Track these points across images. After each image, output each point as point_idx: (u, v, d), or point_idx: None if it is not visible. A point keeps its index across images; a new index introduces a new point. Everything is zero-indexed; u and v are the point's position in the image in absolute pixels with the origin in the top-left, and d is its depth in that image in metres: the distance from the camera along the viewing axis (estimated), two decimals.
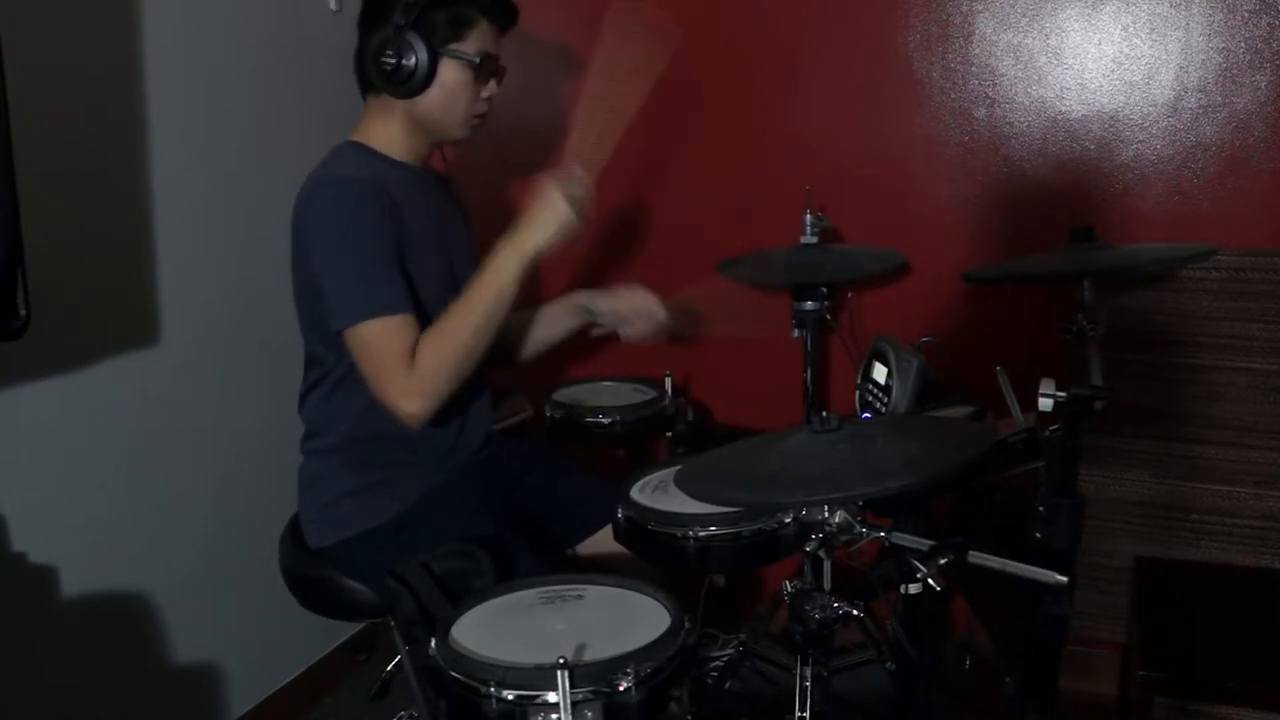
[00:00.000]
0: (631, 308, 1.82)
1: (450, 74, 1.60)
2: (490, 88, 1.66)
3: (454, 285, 1.70)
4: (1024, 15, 2.12)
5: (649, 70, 1.71)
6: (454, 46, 1.59)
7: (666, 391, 2.15)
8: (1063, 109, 2.13)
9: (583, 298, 1.88)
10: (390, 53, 1.56)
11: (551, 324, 1.89)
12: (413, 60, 1.56)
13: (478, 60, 1.61)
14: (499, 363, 1.77)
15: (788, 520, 1.45)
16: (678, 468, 1.45)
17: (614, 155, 2.44)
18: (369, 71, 1.61)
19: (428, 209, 1.68)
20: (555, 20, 2.40)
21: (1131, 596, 2.07)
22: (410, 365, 1.50)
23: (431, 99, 1.61)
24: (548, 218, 1.56)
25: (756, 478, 1.22)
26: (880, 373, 1.60)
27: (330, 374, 1.64)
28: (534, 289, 2.57)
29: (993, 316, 2.20)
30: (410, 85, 1.58)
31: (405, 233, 1.58)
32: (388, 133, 1.65)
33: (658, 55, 1.74)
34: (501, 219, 2.44)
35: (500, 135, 2.39)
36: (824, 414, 1.22)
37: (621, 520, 1.54)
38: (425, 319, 1.63)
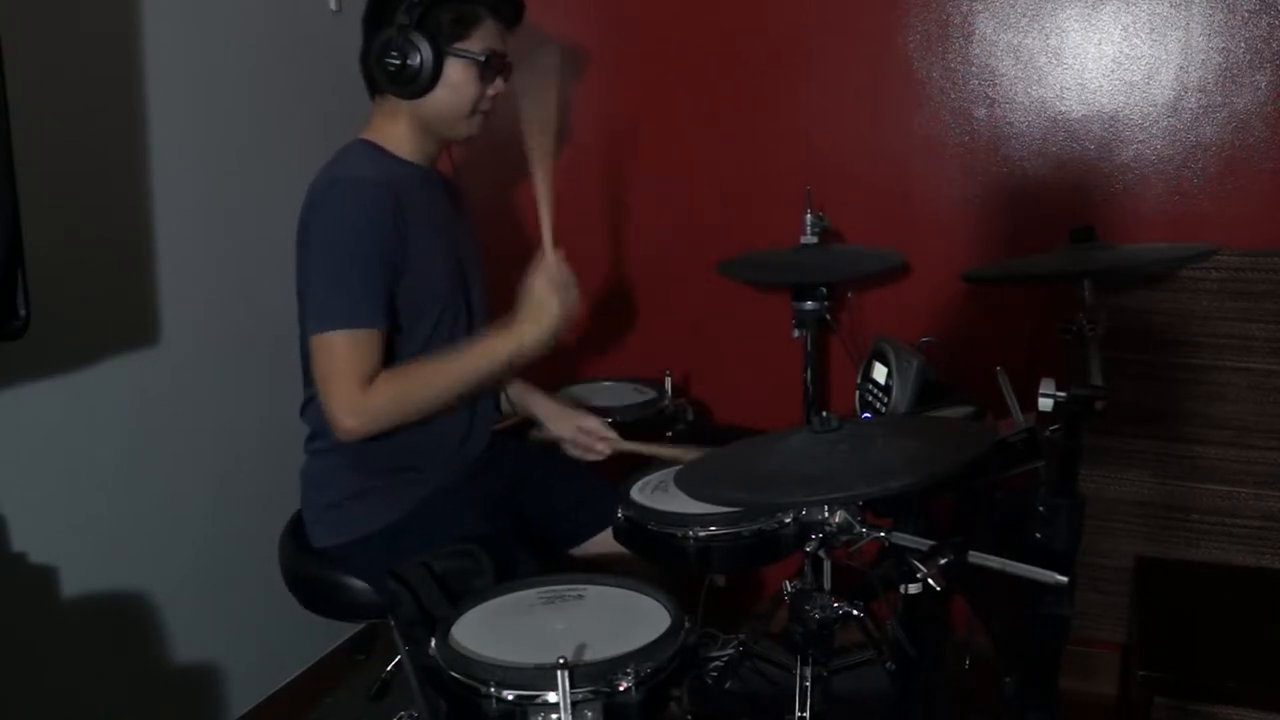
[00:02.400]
0: (583, 437, 1.83)
1: (456, 73, 1.60)
2: (497, 85, 1.65)
3: (464, 286, 1.70)
4: (1024, 15, 2.12)
5: (549, 102, 1.66)
6: (459, 45, 1.59)
7: (666, 391, 2.15)
8: (1063, 109, 2.13)
9: (537, 407, 1.88)
10: (395, 53, 1.55)
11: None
12: (417, 60, 1.56)
13: (484, 59, 1.60)
14: None
15: (788, 520, 1.45)
16: (678, 468, 1.45)
17: (616, 155, 2.47)
18: (374, 72, 1.61)
19: (438, 210, 1.68)
20: (559, 17, 2.41)
21: (1131, 596, 2.07)
22: (363, 385, 1.51)
23: (438, 99, 1.60)
24: (540, 319, 1.59)
25: (756, 478, 1.22)
26: (880, 373, 1.60)
27: None
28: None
29: (993, 316, 2.20)
30: (415, 86, 1.58)
31: (413, 236, 1.58)
32: (396, 133, 1.65)
33: (549, 78, 1.68)
34: (505, 219, 2.45)
35: (504, 135, 2.39)
36: (824, 414, 1.21)
37: (621, 520, 1.54)
38: (436, 319, 1.64)
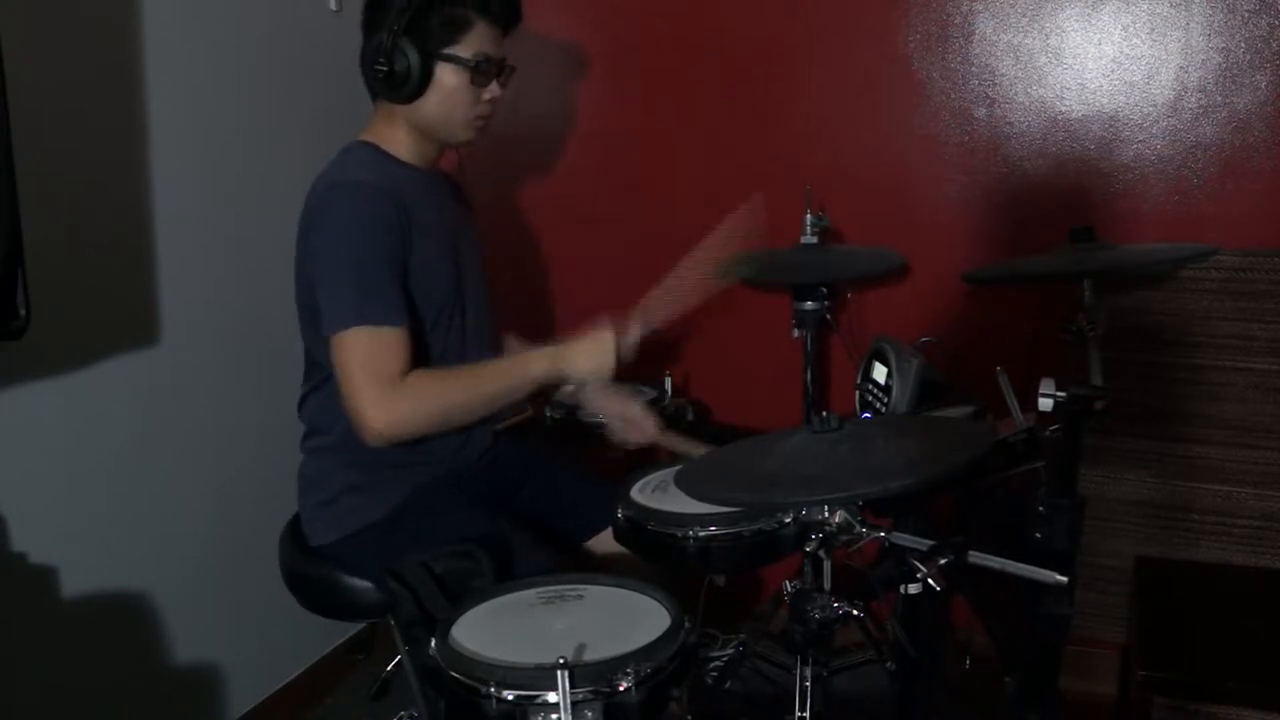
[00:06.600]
0: (626, 419, 1.80)
1: (447, 78, 1.59)
2: (492, 89, 1.64)
3: (461, 289, 1.70)
4: (1024, 15, 2.12)
5: (731, 271, 1.78)
6: (449, 50, 1.58)
7: (666, 391, 2.15)
8: (1063, 109, 2.13)
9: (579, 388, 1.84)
10: (383, 59, 1.55)
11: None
12: (405, 66, 1.55)
13: (473, 63, 1.59)
14: None
15: (788, 520, 1.45)
16: (678, 468, 1.45)
17: (616, 155, 2.47)
18: (367, 78, 1.61)
19: (438, 213, 1.67)
20: (562, 19, 2.41)
21: (1131, 596, 2.07)
22: (392, 382, 1.49)
23: (430, 104, 1.60)
24: (593, 360, 1.62)
25: (756, 478, 1.22)
26: (880, 373, 1.60)
27: (331, 377, 1.63)
28: (545, 289, 2.58)
29: (993, 316, 2.20)
30: (405, 91, 1.57)
31: (414, 239, 1.57)
32: (395, 136, 1.65)
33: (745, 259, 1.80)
34: (509, 218, 2.43)
35: (509, 135, 2.40)
36: (824, 414, 1.22)
37: (621, 520, 1.54)
38: (432, 323, 1.64)
